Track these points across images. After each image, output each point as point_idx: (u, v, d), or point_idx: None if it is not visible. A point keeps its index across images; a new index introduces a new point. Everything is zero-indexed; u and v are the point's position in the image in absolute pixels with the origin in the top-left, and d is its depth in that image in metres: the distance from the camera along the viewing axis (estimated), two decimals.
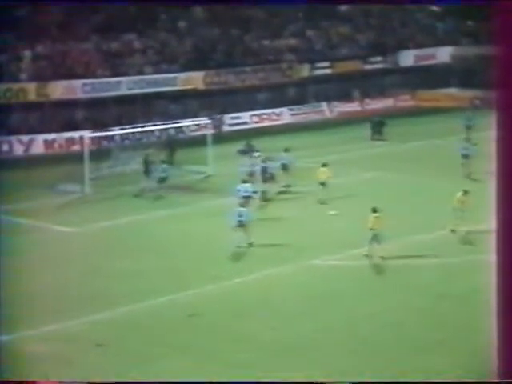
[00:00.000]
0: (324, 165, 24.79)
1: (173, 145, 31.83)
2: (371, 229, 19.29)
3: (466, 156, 27.66)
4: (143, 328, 16.10)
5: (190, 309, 16.82)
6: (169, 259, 20.23)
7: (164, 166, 27.03)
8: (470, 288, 17.27)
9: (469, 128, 32.16)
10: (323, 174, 24.52)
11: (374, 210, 19.48)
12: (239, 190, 22.43)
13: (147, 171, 27.15)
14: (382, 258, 19.24)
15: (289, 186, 26.28)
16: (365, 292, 17.72)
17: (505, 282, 8.60)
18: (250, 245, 20.56)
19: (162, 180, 26.53)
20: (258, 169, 25.65)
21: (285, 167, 26.71)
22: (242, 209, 20.66)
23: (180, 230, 22.76)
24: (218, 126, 36.27)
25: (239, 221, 20.30)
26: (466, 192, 20.92)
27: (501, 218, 8.49)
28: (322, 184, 24.60)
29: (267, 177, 25.25)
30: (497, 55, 8.45)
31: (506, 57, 8.33)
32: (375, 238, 19.28)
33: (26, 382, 12.14)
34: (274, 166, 25.89)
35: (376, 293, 17.61)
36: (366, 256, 19.40)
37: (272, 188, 25.44)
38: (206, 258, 20.13)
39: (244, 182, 22.83)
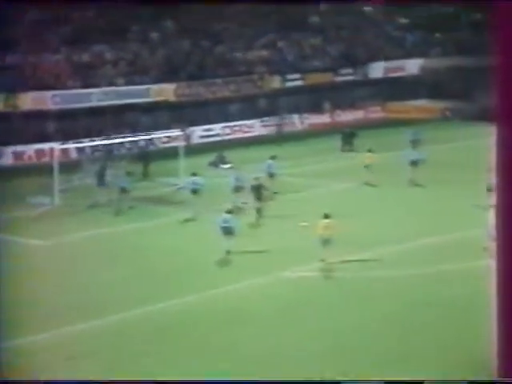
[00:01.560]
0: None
1: (147, 157, 31.81)
2: (321, 235, 19.63)
3: (414, 163, 28.54)
4: (117, 339, 16.09)
5: (161, 321, 16.84)
6: (142, 271, 20.20)
7: (128, 177, 26.78)
8: (444, 296, 17.55)
9: (414, 143, 32.19)
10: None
11: (326, 216, 19.83)
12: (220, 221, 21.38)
13: (101, 183, 27.04)
14: (327, 262, 19.61)
15: (276, 192, 26.23)
16: (336, 302, 17.87)
17: (505, 284, 8.77)
18: (228, 252, 20.70)
19: (124, 191, 26.10)
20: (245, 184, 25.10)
21: (271, 175, 26.95)
22: (227, 215, 20.86)
23: (152, 241, 22.69)
24: (189, 137, 36.33)
25: (224, 227, 20.54)
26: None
27: (501, 225, 8.77)
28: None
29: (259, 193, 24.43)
30: (496, 60, 9.02)
31: (505, 64, 8.86)
32: (325, 244, 19.57)
33: (26, 382, 12.13)
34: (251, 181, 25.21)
35: (347, 303, 17.78)
36: (322, 261, 19.74)
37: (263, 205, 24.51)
38: (179, 270, 20.12)
39: (228, 212, 21.53)
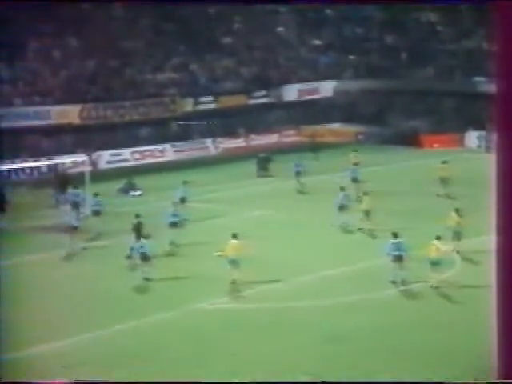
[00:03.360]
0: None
1: (63, 180, 30.24)
2: (229, 255, 20.01)
3: (354, 180, 30.38)
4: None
5: (66, 360, 16.16)
6: (45, 305, 19.36)
7: (97, 198, 26.00)
8: (359, 327, 17.41)
9: (298, 174, 31.70)
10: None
11: (234, 236, 20.25)
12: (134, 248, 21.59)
13: (1, 210, 26.16)
14: (235, 281, 19.91)
15: (177, 215, 25.27)
16: (249, 333, 17.56)
17: (504, 284, 9.08)
18: (148, 279, 20.71)
19: (97, 213, 25.75)
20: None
21: (183, 200, 26.52)
22: (144, 241, 21.00)
23: (55, 274, 21.84)
24: (95, 163, 34.99)
25: (142, 253, 20.77)
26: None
27: (501, 232, 9.25)
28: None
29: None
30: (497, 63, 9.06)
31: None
32: (233, 264, 19.91)
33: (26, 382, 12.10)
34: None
35: (260, 334, 17.48)
36: (232, 282, 20.00)
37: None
38: (88, 303, 19.53)
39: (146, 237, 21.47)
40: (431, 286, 19.73)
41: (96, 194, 26.10)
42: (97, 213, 25.63)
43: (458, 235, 22.13)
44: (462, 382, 13.13)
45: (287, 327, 17.82)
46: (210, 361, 16.13)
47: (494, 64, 9.36)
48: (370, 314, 18.32)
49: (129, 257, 22.26)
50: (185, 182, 27.84)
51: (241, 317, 18.64)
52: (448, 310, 18.65)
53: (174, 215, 24.01)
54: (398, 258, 19.87)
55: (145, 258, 20.74)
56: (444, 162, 30.82)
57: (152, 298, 19.97)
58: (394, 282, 19.98)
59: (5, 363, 15.44)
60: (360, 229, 25.05)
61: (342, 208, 25.55)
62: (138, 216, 23.31)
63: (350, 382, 13.34)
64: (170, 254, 23.11)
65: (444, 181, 29.78)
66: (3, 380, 13.78)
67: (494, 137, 9.82)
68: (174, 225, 23.87)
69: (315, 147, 38.21)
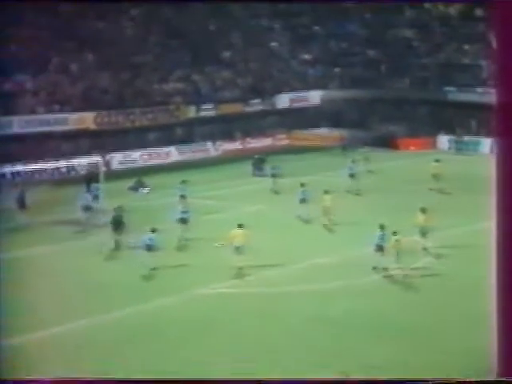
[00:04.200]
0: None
1: (93, 178, 30.60)
2: (234, 243, 20.24)
3: (352, 176, 30.94)
4: (31, 361, 15.17)
5: (78, 339, 16.21)
6: (56, 293, 19.27)
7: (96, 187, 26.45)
8: (344, 311, 17.57)
9: (274, 175, 32.24)
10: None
11: (239, 226, 20.62)
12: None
13: (22, 206, 26.12)
14: (240, 268, 20.05)
15: (185, 212, 25.37)
16: (251, 317, 17.53)
17: (504, 284, 8.60)
18: (154, 269, 20.52)
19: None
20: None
21: (183, 197, 26.36)
22: (152, 234, 20.82)
23: (70, 264, 21.81)
24: (108, 163, 35.45)
25: (147, 245, 20.59)
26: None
27: (501, 233, 8.70)
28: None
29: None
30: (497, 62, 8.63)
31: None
32: (238, 251, 20.18)
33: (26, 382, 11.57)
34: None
35: (268, 318, 17.43)
36: (239, 269, 20.06)
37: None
38: (97, 290, 19.45)
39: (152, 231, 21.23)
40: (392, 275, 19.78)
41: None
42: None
43: (424, 232, 21.85)
44: (462, 382, 12.31)
45: (283, 310, 17.79)
46: (211, 340, 16.03)
47: (493, 63, 9.18)
48: (357, 297, 18.41)
49: (115, 249, 22.23)
50: (183, 182, 27.86)
51: (241, 300, 18.55)
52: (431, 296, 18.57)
53: (184, 212, 23.72)
54: (381, 248, 20.11)
55: (150, 248, 20.58)
56: (437, 161, 31.32)
57: (158, 284, 19.77)
58: (375, 268, 20.12)
59: (23, 343, 15.77)
60: (325, 224, 25.14)
61: (302, 201, 26.22)
62: (117, 209, 23.21)
63: (348, 381, 12.90)
64: (178, 247, 22.95)
65: (436, 177, 30.60)
66: (10, 368, 13.50)
67: (496, 142, 9.28)
68: (182, 221, 23.48)
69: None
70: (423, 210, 22.28)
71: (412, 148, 41.94)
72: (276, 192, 31.18)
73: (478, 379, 10.86)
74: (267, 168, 34.40)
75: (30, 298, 18.78)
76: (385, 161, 37.93)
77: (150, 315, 17.78)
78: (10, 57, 37.78)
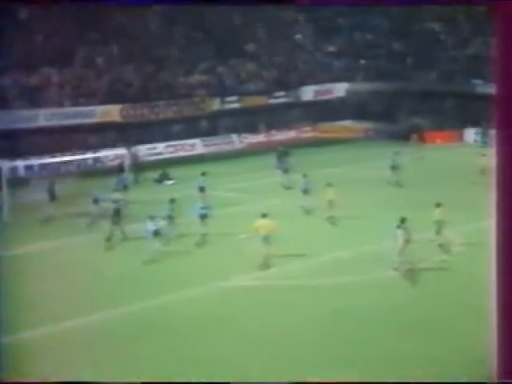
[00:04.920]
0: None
1: (139, 166, 31.60)
2: (259, 233, 20.29)
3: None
4: (53, 349, 15.46)
5: (104, 329, 16.38)
6: (84, 283, 19.59)
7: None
8: (366, 306, 17.51)
9: (394, 168, 31.33)
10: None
11: (263, 216, 20.71)
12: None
13: (52, 198, 26.44)
14: (266, 257, 20.19)
15: (206, 207, 25.76)
16: (273, 310, 17.53)
17: (504, 284, 8.56)
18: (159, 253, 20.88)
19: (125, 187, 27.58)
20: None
21: (202, 189, 26.57)
22: (161, 222, 21.32)
23: (95, 254, 22.12)
24: (134, 156, 35.79)
25: (154, 230, 20.99)
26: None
27: (501, 229, 8.62)
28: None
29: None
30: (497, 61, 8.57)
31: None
32: (265, 241, 20.23)
33: (26, 382, 11.73)
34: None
35: (291, 311, 17.43)
36: (265, 258, 20.16)
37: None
38: (121, 281, 19.64)
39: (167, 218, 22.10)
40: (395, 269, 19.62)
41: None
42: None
43: (439, 228, 21.40)
44: (461, 382, 12.41)
45: (305, 303, 17.74)
46: (231, 334, 16.02)
47: (493, 64, 8.80)
48: (377, 291, 18.35)
49: (108, 239, 22.53)
50: (203, 174, 27.91)
51: (262, 293, 18.52)
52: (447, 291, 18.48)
53: (203, 208, 23.50)
54: (405, 241, 19.79)
55: (156, 234, 21.01)
56: (483, 155, 29.72)
57: (179, 278, 19.73)
58: (400, 263, 19.82)
59: (39, 334, 16.01)
60: (330, 216, 24.87)
61: (305, 192, 26.25)
62: (115, 201, 23.85)
63: (350, 383, 12.87)
64: (197, 243, 22.74)
65: (483, 172, 28.35)
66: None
67: (493, 133, 9.10)
68: (202, 216, 23.15)
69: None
70: (438, 205, 21.84)
71: (438, 141, 41.64)
72: (287, 187, 30.37)
73: (479, 380, 10.85)
74: (289, 162, 34.26)
75: (53, 290, 19.14)
76: (409, 154, 37.71)
77: (169, 309, 17.76)
78: (37, 50, 38.31)
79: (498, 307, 8.73)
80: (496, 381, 8.97)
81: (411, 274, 19.75)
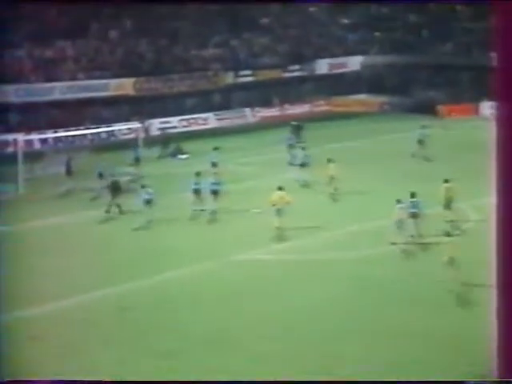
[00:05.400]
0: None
1: (169, 140, 32.17)
2: (273, 204, 20.70)
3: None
4: (76, 322, 15.68)
5: (121, 303, 16.52)
6: (101, 256, 19.81)
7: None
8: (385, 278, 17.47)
9: (421, 143, 31.06)
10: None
11: (279, 188, 21.16)
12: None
13: (69, 172, 26.59)
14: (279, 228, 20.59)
15: (217, 183, 25.79)
16: (292, 284, 17.60)
17: (504, 283, 8.42)
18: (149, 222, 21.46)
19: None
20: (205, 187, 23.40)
21: (214, 164, 26.49)
22: (149, 190, 22.02)
23: (110, 229, 22.37)
24: (147, 129, 35.83)
25: (145, 199, 21.63)
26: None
27: (501, 223, 8.41)
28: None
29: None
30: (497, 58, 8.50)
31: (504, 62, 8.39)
32: (279, 213, 20.66)
33: (26, 382, 11.82)
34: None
35: (304, 285, 17.50)
36: (278, 228, 20.59)
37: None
38: (135, 255, 19.79)
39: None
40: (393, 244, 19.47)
41: None
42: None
43: (448, 204, 21.11)
44: (461, 381, 12.18)
45: (322, 275, 17.85)
46: (247, 305, 16.16)
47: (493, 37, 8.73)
48: (390, 264, 18.42)
49: (107, 211, 22.90)
50: (215, 148, 27.88)
51: (277, 267, 18.55)
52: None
53: (215, 183, 23.18)
54: (414, 215, 19.84)
55: (148, 202, 21.62)
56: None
57: (193, 252, 19.81)
58: (411, 237, 19.76)
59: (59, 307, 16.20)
60: (331, 193, 24.50)
61: (302, 165, 26.31)
62: (112, 175, 24.13)
63: (353, 382, 12.75)
64: (209, 220, 22.64)
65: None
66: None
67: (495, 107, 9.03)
68: (214, 192, 22.91)
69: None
70: (446, 181, 21.64)
71: (454, 114, 41.27)
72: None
73: (479, 380, 10.78)
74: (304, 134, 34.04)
75: (75, 261, 19.35)
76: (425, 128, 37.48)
77: (182, 283, 17.82)
78: (51, 24, 38.28)
79: (498, 307, 8.62)
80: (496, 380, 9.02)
81: (414, 249, 19.61)
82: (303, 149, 26.81)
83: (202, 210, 22.71)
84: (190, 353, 14.14)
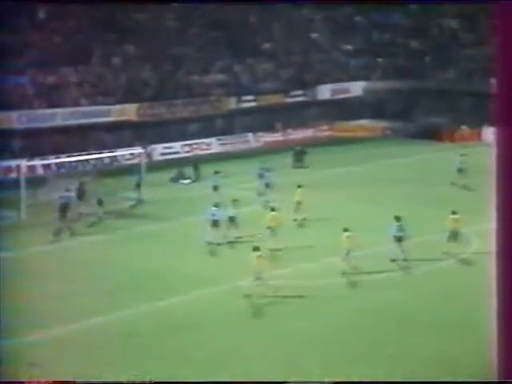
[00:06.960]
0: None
1: (197, 164, 32.47)
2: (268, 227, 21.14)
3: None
4: (78, 347, 15.61)
5: (125, 328, 16.50)
6: (103, 281, 19.85)
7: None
8: (382, 302, 17.49)
9: (461, 171, 31.15)
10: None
11: (272, 209, 21.75)
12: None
13: (81, 196, 26.67)
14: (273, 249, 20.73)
15: (215, 214, 25.62)
16: (295, 308, 17.69)
17: (505, 284, 8.48)
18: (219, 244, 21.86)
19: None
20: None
21: (215, 188, 26.78)
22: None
23: (115, 253, 22.38)
24: (150, 155, 35.93)
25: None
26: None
27: (501, 230, 8.45)
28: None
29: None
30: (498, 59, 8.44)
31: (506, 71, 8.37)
32: (273, 234, 21.05)
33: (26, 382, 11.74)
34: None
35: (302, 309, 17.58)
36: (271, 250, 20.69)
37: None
38: (140, 280, 19.86)
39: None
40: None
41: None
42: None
43: (454, 237, 21.00)
44: (461, 382, 12.41)
45: (316, 302, 17.96)
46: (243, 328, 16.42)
47: (494, 63, 8.68)
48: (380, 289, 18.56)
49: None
50: (216, 172, 28.22)
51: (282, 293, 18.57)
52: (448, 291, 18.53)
53: (214, 214, 22.72)
54: (399, 239, 19.94)
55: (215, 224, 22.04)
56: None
57: (199, 276, 20.02)
58: (394, 261, 19.89)
59: (71, 331, 16.20)
60: (295, 220, 24.43)
61: (267, 186, 27.33)
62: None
63: (355, 382, 12.90)
64: (210, 251, 22.53)
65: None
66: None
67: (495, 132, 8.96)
68: (215, 223, 22.58)
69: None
70: (454, 213, 21.38)
71: (456, 140, 41.38)
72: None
73: (479, 380, 10.79)
74: (307, 159, 34.13)
75: (77, 286, 19.37)
76: (428, 153, 37.58)
77: (189, 306, 18.02)
78: (54, 50, 38.62)
79: (498, 307, 8.66)
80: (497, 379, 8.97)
81: (408, 273, 19.71)
82: (268, 170, 27.25)
83: (219, 244, 22.37)
84: (194, 378, 14.04)
